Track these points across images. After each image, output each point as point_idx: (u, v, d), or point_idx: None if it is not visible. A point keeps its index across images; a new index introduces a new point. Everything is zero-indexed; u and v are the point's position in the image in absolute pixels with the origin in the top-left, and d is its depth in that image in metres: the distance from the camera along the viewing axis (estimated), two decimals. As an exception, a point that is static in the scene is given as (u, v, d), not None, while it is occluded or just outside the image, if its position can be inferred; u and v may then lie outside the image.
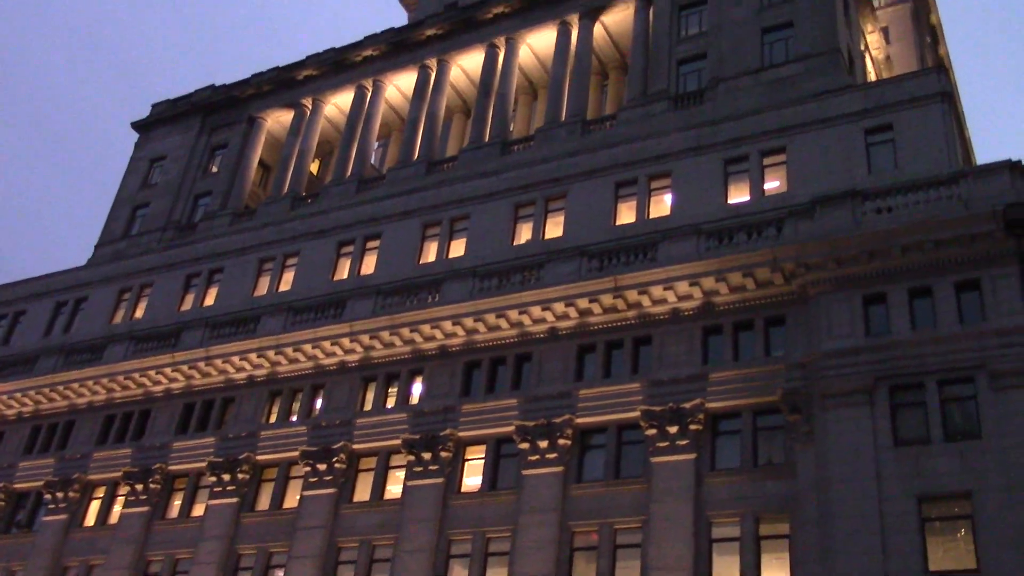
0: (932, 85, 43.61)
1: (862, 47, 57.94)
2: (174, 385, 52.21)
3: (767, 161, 45.44)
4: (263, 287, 57.11)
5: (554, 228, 49.49)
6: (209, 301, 58.30)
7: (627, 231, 46.43)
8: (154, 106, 77.51)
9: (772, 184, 44.86)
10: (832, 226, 38.13)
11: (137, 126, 76.80)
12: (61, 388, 54.88)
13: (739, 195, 45.24)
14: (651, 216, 46.86)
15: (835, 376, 35.71)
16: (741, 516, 35.68)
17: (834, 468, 34.11)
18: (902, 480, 32.89)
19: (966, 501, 31.91)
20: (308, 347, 48.33)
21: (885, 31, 65.48)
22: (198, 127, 72.74)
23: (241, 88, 72.46)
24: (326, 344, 47.87)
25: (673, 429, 38.03)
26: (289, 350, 48.79)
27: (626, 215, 47.87)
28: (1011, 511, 30.77)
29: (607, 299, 41.82)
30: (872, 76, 59.31)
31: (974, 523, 31.45)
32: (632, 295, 41.34)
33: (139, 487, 49.60)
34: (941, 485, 32.43)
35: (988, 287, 35.13)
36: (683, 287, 40.36)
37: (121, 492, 51.21)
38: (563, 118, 57.36)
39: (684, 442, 37.83)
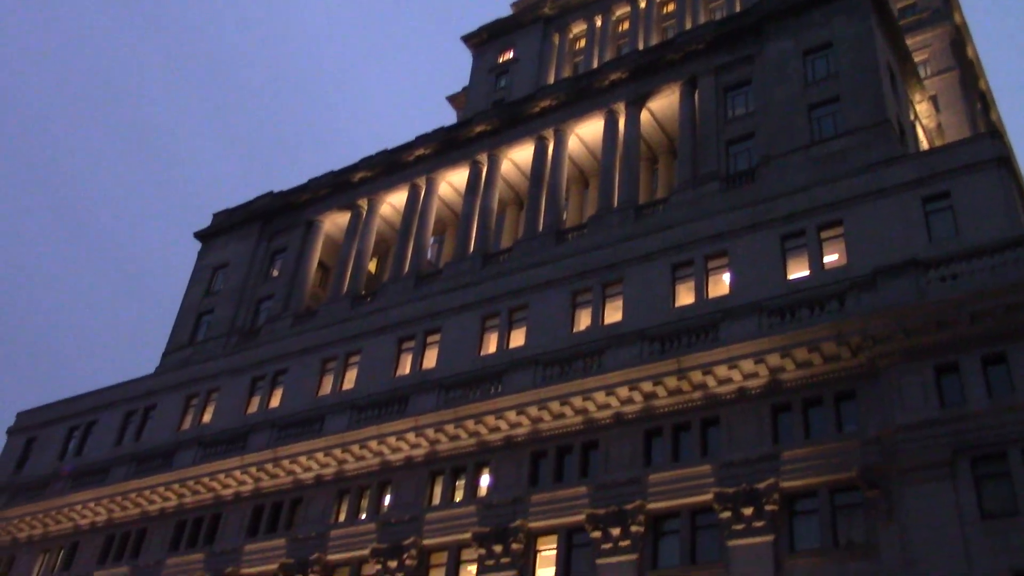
0: (988, 150, 43.36)
1: (912, 117, 58.02)
2: (243, 488, 52.51)
3: (824, 235, 45.25)
4: (327, 386, 57.61)
5: (613, 313, 49.49)
6: (275, 403, 58.89)
7: (687, 312, 46.26)
8: (215, 215, 79.76)
9: (831, 258, 44.57)
10: (896, 297, 37.72)
11: (200, 236, 78.97)
12: (133, 496, 55.52)
13: (798, 270, 44.99)
14: (710, 296, 46.69)
15: (913, 450, 34.88)
16: (826, 599, 34.56)
17: (919, 546, 33.10)
18: (992, 555, 31.77)
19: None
20: (374, 444, 48.48)
21: (934, 99, 65.53)
22: (258, 233, 74.57)
23: (298, 193, 74.40)
24: (392, 440, 48.00)
25: (748, 511, 37.23)
26: (355, 448, 48.97)
27: (685, 296, 47.78)
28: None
29: (671, 381, 41.54)
30: (924, 145, 59.23)
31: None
32: (697, 376, 41.02)
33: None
34: (1032, 559, 31.24)
35: (1064, 350, 34.35)
36: (748, 365, 39.98)
37: (195, 599, 51.20)
38: (615, 204, 57.92)
39: (760, 524, 36.98)
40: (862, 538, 35.51)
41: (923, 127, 60.78)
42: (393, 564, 44.67)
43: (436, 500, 46.35)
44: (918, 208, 43.25)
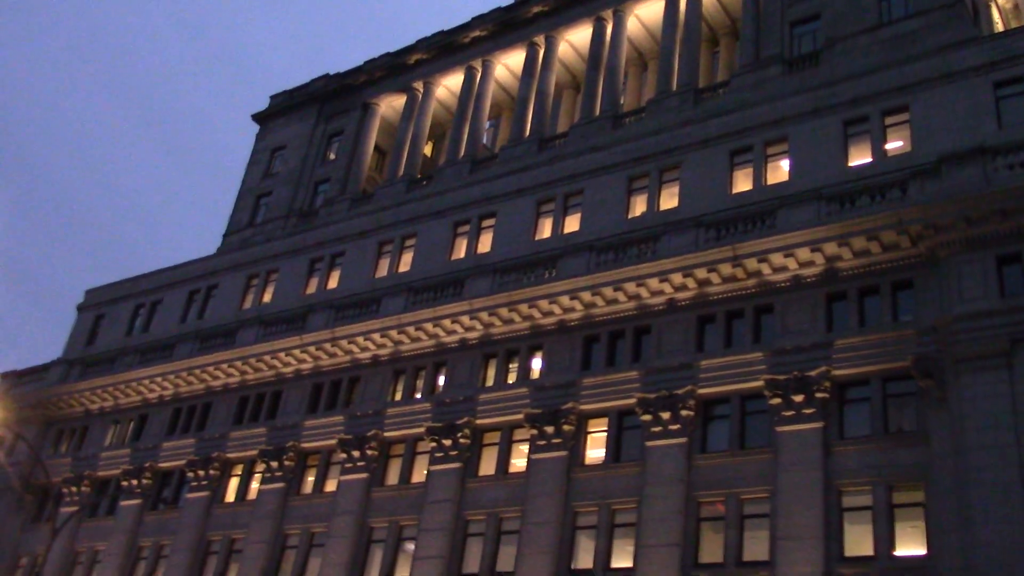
0: (1066, 32, 41.41)
1: (987, -4, 55.46)
2: (303, 366, 53.99)
3: (889, 121, 43.97)
4: (383, 269, 58.36)
5: (669, 199, 49.03)
6: (333, 284, 59.91)
7: (744, 199, 45.64)
8: (272, 98, 79.92)
9: (895, 144, 43.42)
10: (961, 185, 36.79)
11: (257, 118, 79.29)
12: (198, 372, 57.43)
13: (860, 157, 43.95)
14: (769, 183, 45.94)
15: (969, 340, 34.54)
16: (873, 484, 34.92)
17: (971, 435, 33.08)
18: (1043, 446, 31.68)
19: (1114, 466, 30.58)
20: (429, 326, 49.28)
21: (1012, -22, 62.40)
22: (315, 116, 74.70)
23: (354, 76, 74.05)
24: (446, 322, 48.73)
25: (799, 398, 37.43)
26: (411, 329, 49.86)
27: (743, 183, 47.06)
28: None
29: (726, 268, 41.36)
30: (999, 27, 56.73)
31: (1124, 489, 30.12)
32: (752, 264, 40.76)
33: (274, 464, 51.60)
34: (1085, 450, 31.15)
35: None
36: (804, 254, 39.58)
37: (258, 469, 53.39)
38: (674, 88, 56.76)
39: (810, 411, 37.20)
40: (913, 426, 35.63)
41: (998, 7, 58.10)
42: (447, 442, 45.95)
43: (489, 382, 47.26)
44: (989, 93, 41.68)
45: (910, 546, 33.63)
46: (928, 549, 32.99)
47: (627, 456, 41.59)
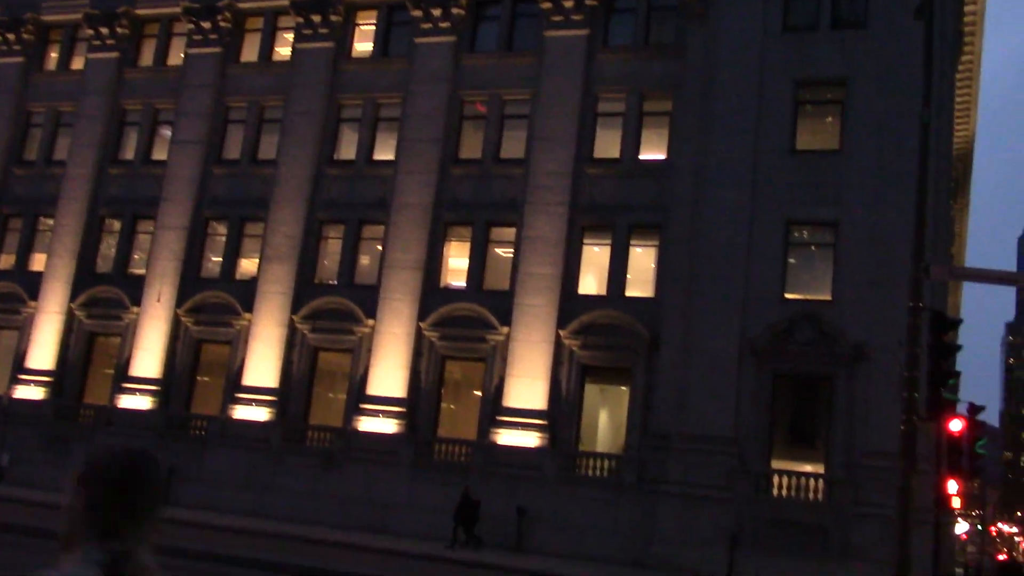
0: None
1: None
2: (38, -72, 48.04)
3: None
4: None
5: None
6: None
7: None
8: None
9: None
10: None
11: None
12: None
13: None
14: None
15: (736, -42, 35.29)
16: (627, 92, 36.62)
17: (722, 51, 34.86)
18: (783, 65, 33.98)
19: (840, 88, 33.41)
20: None
21: None
22: None
23: None
24: None
25: (569, 3, 37.55)
26: None
27: None
28: (879, 99, 32.42)
29: None
30: None
31: (844, 108, 33.18)
32: None
33: (11, 37, 47.23)
34: (819, 71, 33.75)
35: None
36: None
37: (-8, 42, 48.79)
38: None
39: (579, 17, 37.57)
40: (671, 40, 36.93)
41: None
42: (207, 25, 43.37)
43: (254, -36, 44.14)
44: None
45: (653, 151, 36.20)
46: (667, 154, 35.66)
47: (395, 51, 41.03)
